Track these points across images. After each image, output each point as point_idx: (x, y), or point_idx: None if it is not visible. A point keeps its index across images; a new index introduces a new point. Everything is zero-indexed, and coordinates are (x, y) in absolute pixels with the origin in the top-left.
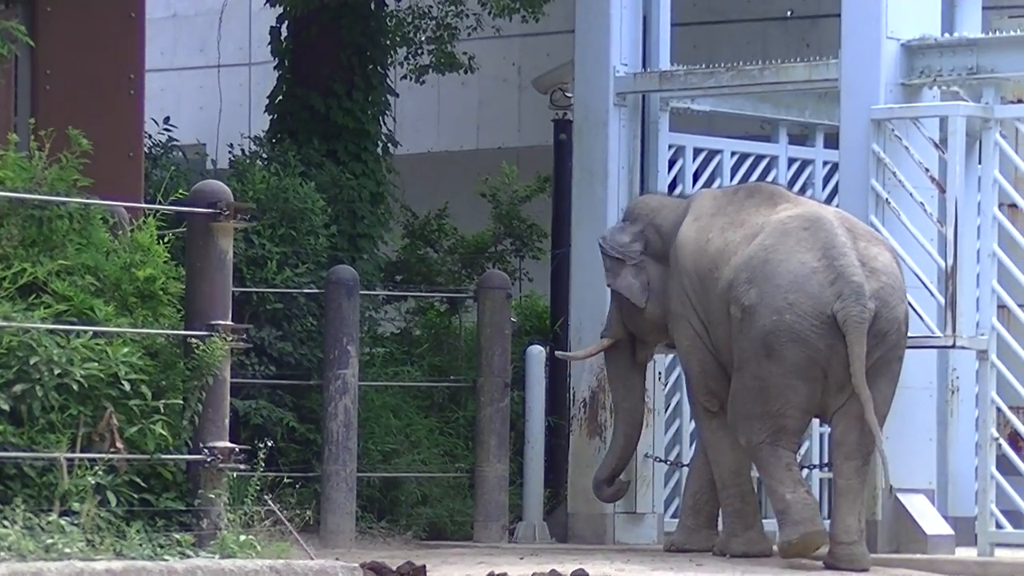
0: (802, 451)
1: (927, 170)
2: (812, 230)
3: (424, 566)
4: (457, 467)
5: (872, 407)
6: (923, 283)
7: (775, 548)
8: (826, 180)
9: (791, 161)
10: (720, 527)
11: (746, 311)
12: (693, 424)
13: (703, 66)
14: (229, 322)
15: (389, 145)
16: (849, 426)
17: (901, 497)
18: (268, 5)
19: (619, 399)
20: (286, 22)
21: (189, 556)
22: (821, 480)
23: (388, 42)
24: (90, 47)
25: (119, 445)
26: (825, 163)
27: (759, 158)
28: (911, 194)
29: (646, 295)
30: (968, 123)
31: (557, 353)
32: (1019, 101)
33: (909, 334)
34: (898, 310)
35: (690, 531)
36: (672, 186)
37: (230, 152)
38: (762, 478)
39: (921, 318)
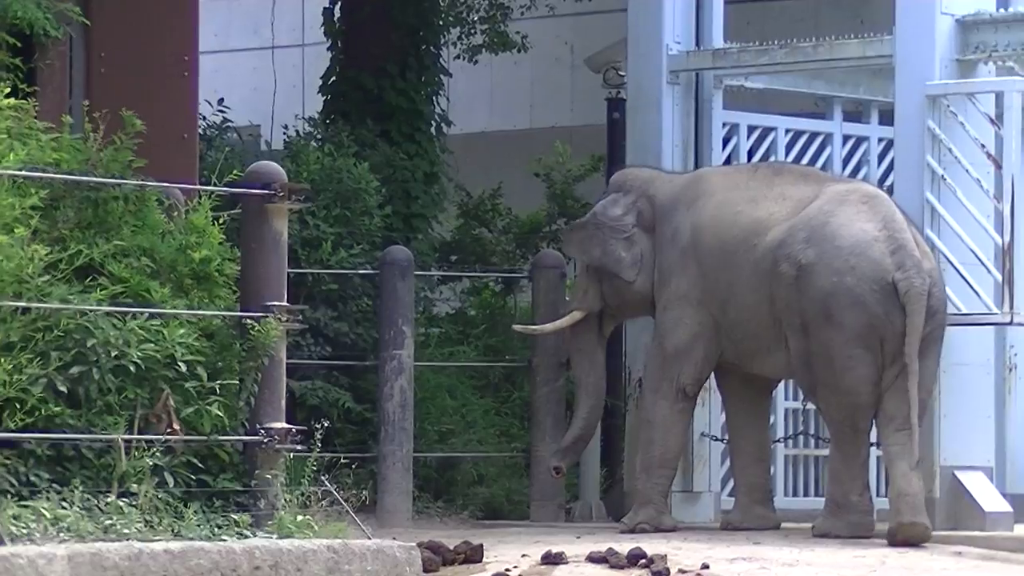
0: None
1: (983, 146)
2: (872, 204)
3: (481, 545)
4: (513, 447)
5: (916, 381)
6: (980, 260)
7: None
8: (881, 157)
9: (845, 138)
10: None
11: (802, 269)
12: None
13: (756, 43)
14: (284, 303)
15: (442, 125)
16: (902, 399)
17: (959, 475)
18: None
19: (584, 373)
20: (339, 3)
21: (247, 536)
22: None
23: (441, 22)
24: (144, 29)
25: (176, 426)
26: (880, 140)
27: (813, 135)
28: (967, 170)
29: (636, 269)
30: None
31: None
32: None
33: (966, 311)
34: (944, 292)
35: (745, 509)
36: (726, 165)
37: (284, 133)
38: (833, 457)
39: (978, 295)
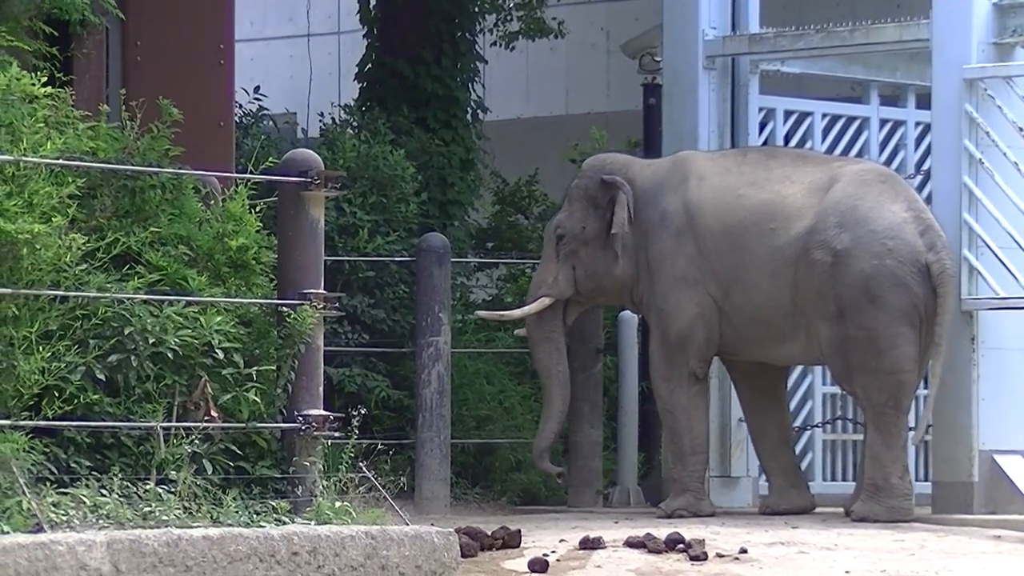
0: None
1: (1020, 129)
2: (890, 184)
3: (519, 531)
4: None
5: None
6: (1018, 243)
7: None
8: (918, 141)
9: (882, 122)
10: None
11: (839, 255)
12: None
13: (792, 28)
14: (321, 290)
15: (478, 112)
16: (933, 383)
17: (998, 458)
18: None
19: (553, 363)
20: None
21: (285, 523)
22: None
23: (476, 8)
24: (180, 18)
25: (214, 413)
26: (917, 124)
27: (850, 120)
28: (1005, 154)
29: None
30: None
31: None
32: None
33: (1004, 295)
34: None
35: (781, 491)
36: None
37: (320, 121)
38: (872, 441)
39: (1016, 279)
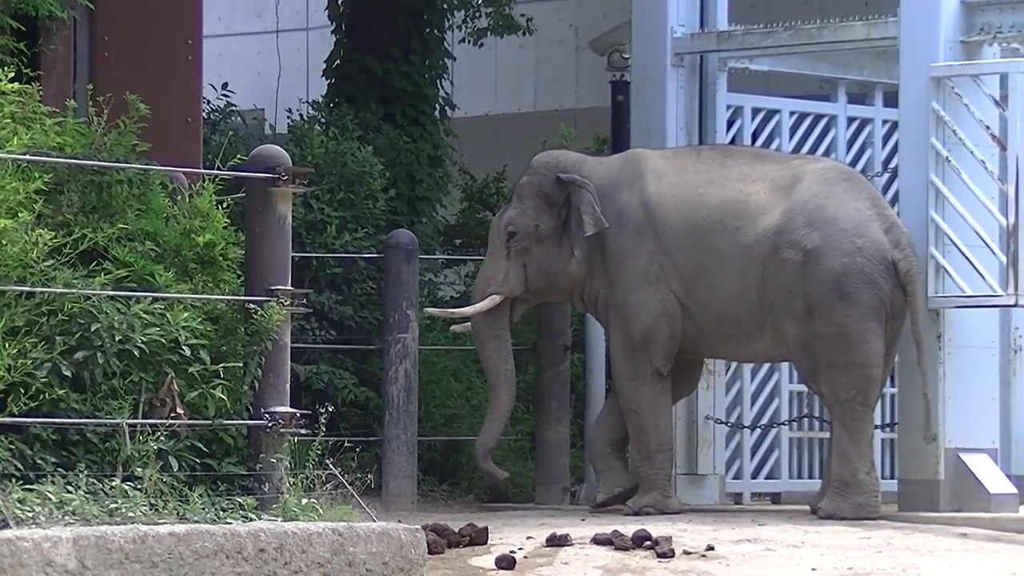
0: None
1: (988, 128)
2: (851, 182)
3: (486, 528)
4: (518, 430)
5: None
6: (984, 242)
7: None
8: (885, 139)
9: (850, 120)
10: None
11: (809, 254)
12: (752, 386)
13: (761, 26)
14: (289, 287)
15: (447, 108)
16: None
17: (964, 456)
18: None
19: (500, 361)
20: None
21: (252, 519)
22: (883, 440)
23: (445, 5)
24: (148, 13)
25: (180, 410)
26: (884, 122)
27: (818, 117)
28: (972, 152)
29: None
30: None
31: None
32: None
33: (971, 293)
34: None
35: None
36: None
37: (288, 117)
38: (839, 437)
39: (983, 277)
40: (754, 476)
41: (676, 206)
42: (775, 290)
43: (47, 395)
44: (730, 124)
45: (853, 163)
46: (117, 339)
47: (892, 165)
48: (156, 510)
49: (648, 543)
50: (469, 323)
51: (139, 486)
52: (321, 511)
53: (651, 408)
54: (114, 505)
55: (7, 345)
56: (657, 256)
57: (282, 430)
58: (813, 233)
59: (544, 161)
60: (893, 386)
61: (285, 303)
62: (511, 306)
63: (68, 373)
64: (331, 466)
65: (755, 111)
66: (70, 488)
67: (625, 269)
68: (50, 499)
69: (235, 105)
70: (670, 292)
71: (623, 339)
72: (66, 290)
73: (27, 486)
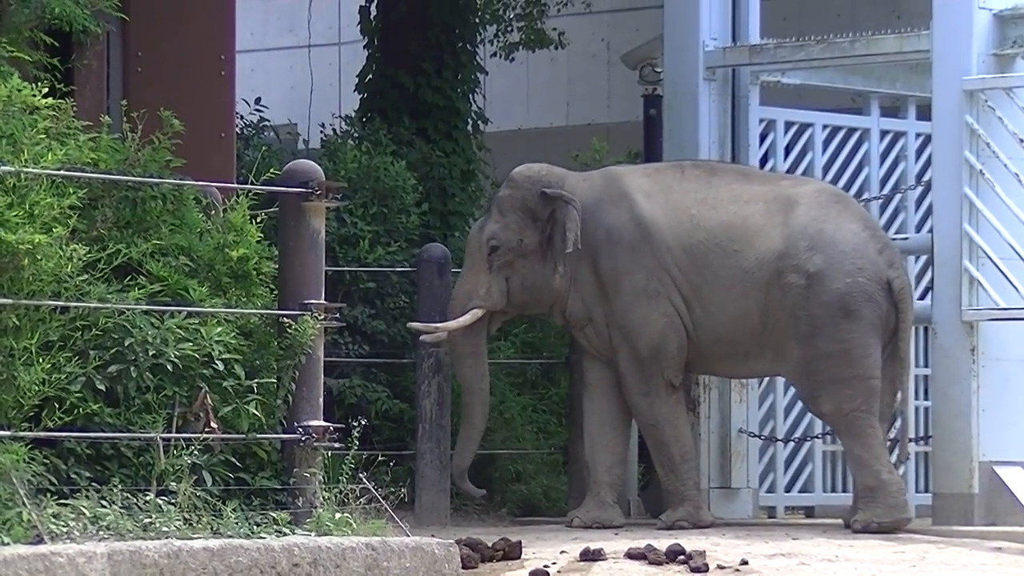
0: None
1: (1021, 140)
2: (843, 203)
3: (519, 542)
4: (551, 444)
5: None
6: (1018, 254)
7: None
8: (918, 153)
9: (883, 134)
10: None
11: (813, 277)
12: (785, 399)
13: (793, 39)
14: (322, 301)
15: (479, 122)
16: (885, 389)
17: (998, 470)
18: None
19: (476, 380)
20: (375, 1)
21: (285, 534)
22: (917, 454)
23: (477, 19)
24: (181, 29)
25: (214, 425)
26: (917, 135)
27: (851, 131)
28: (1005, 165)
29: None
30: None
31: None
32: None
33: (1005, 305)
34: None
35: (601, 505)
36: (763, 160)
37: (321, 132)
38: (851, 448)
39: (1017, 289)
40: (787, 490)
41: (671, 225)
42: (778, 312)
43: (81, 409)
44: (763, 138)
45: (887, 177)
46: (151, 353)
47: (925, 179)
48: (190, 525)
49: (682, 557)
50: (444, 336)
51: (173, 501)
52: (355, 525)
53: (669, 421)
54: (148, 520)
55: (41, 360)
56: (656, 271)
57: (315, 444)
58: (815, 256)
59: (526, 175)
60: (927, 399)
61: (318, 317)
62: (488, 320)
63: (102, 387)
64: (364, 480)
65: (788, 124)
66: (104, 503)
67: (622, 287)
68: (84, 514)
69: (268, 120)
70: (671, 305)
71: (631, 356)
72: (100, 305)
73: (61, 501)
